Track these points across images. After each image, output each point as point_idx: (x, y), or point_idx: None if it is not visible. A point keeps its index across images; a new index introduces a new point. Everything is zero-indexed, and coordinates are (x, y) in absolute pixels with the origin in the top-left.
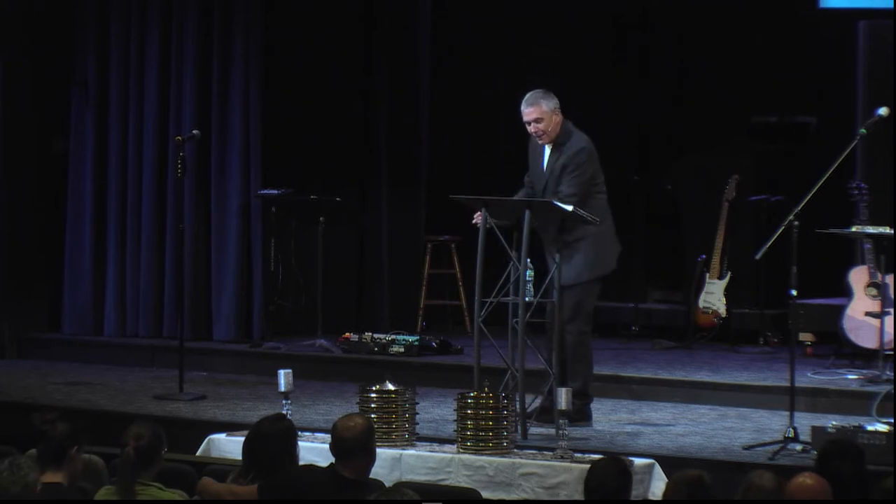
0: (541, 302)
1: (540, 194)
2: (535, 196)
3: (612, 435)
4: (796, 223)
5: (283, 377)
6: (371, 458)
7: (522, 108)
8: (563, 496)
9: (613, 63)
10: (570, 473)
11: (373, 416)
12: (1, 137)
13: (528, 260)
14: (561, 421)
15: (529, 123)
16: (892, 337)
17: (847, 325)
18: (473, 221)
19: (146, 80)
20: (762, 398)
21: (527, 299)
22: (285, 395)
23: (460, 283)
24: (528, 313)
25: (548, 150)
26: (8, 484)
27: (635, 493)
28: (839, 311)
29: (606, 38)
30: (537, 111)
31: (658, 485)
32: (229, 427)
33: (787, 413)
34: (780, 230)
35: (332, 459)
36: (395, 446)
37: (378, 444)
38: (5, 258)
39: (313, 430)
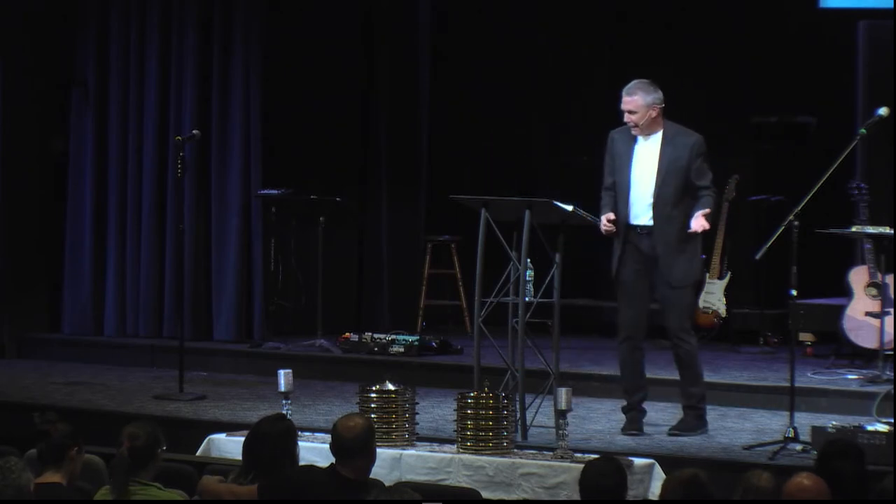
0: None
1: (641, 196)
2: (616, 201)
3: (612, 435)
4: (796, 223)
5: (283, 377)
6: (371, 458)
7: (622, 94)
8: (563, 496)
9: (613, 62)
10: (570, 473)
11: (373, 416)
12: (1, 137)
13: (528, 260)
14: (561, 421)
15: (625, 112)
16: (892, 337)
17: (847, 325)
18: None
19: (146, 80)
20: (762, 398)
21: (527, 299)
22: (285, 395)
23: (460, 283)
24: (528, 313)
25: (643, 144)
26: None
27: (635, 493)
28: (839, 311)
29: (606, 37)
30: (632, 103)
31: (658, 485)
32: (229, 427)
33: (787, 413)
34: (780, 230)
35: (332, 459)
36: (395, 446)
37: (378, 444)
38: (5, 258)
39: (313, 430)
